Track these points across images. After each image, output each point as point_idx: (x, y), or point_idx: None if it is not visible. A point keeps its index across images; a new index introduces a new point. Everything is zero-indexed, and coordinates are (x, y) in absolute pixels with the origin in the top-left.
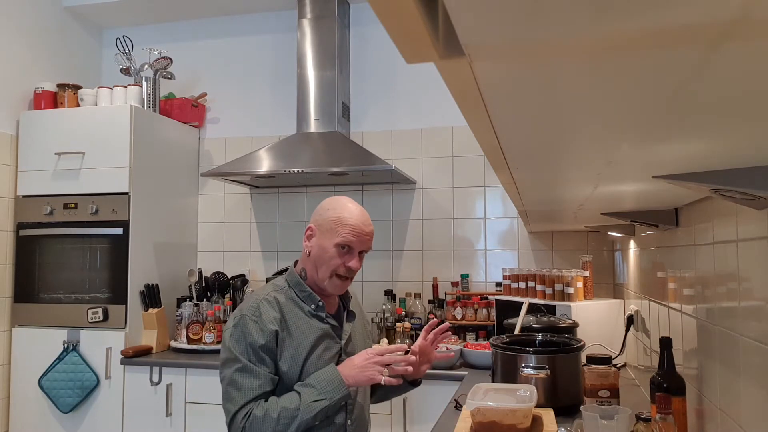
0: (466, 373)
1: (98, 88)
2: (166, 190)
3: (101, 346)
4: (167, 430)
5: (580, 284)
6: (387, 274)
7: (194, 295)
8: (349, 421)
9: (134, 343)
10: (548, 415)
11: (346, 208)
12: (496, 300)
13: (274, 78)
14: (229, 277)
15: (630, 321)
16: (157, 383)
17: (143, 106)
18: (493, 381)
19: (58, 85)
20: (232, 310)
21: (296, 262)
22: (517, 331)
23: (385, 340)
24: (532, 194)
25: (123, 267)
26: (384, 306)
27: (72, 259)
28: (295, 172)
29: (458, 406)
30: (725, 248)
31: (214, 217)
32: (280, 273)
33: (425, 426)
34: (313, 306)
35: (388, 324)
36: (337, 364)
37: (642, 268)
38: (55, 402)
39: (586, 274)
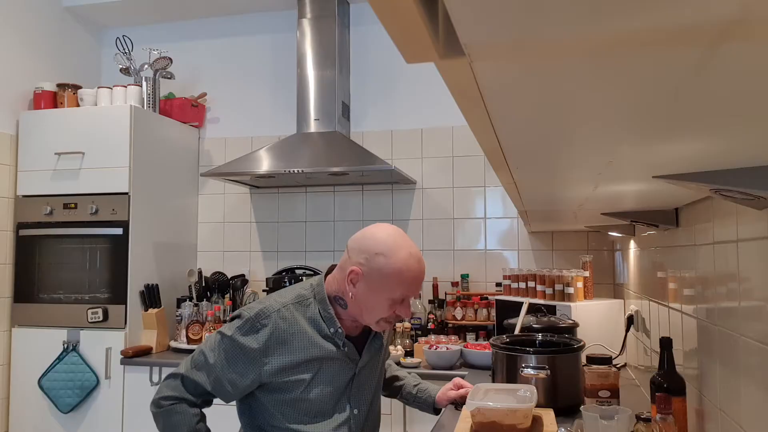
0: (466, 373)
1: (98, 88)
2: (166, 190)
3: (101, 346)
4: None
5: (580, 284)
6: None
7: (194, 295)
8: (356, 410)
9: (134, 343)
10: (548, 415)
11: (402, 260)
12: (496, 300)
13: (274, 78)
14: (229, 277)
15: (630, 321)
16: (157, 383)
17: (143, 106)
18: (493, 381)
19: (58, 85)
20: (232, 310)
21: (330, 270)
22: (517, 331)
23: None
24: (532, 194)
25: (123, 267)
26: None
27: (72, 259)
28: (295, 172)
29: (458, 406)
30: (725, 248)
31: (214, 217)
32: (279, 273)
33: (425, 426)
34: (332, 330)
35: None
36: (348, 390)
37: (642, 268)
38: (55, 402)
39: (586, 274)
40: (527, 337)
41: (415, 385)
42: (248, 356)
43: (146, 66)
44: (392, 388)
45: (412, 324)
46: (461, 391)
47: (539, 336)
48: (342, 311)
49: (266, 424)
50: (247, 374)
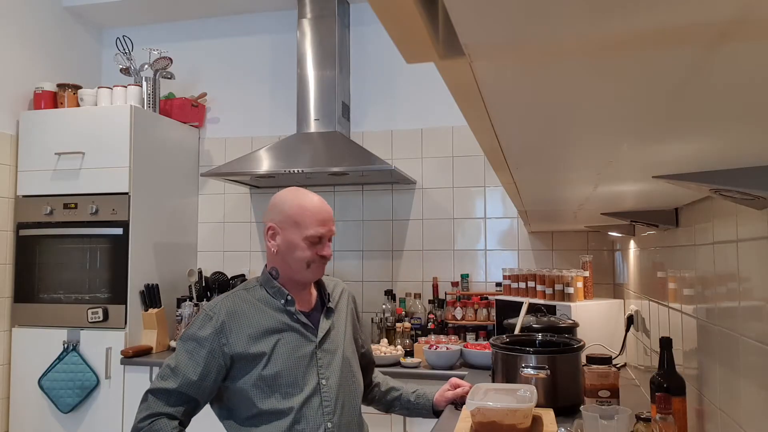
0: (466, 373)
1: (98, 88)
2: (166, 190)
3: (101, 346)
4: None
5: (580, 284)
6: (387, 274)
7: (194, 295)
8: (324, 380)
9: (134, 343)
10: (548, 415)
11: (303, 200)
12: (496, 300)
13: (274, 78)
14: (229, 277)
15: (630, 321)
16: None
17: (143, 106)
18: (493, 381)
19: (58, 85)
20: None
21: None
22: (517, 331)
23: (385, 340)
24: (532, 194)
25: (123, 267)
26: (384, 306)
27: (72, 259)
28: (295, 172)
29: (458, 406)
30: (725, 248)
31: (214, 217)
32: None
33: (425, 426)
34: (282, 301)
35: (388, 324)
36: (313, 361)
37: (642, 268)
38: (55, 402)
39: (586, 274)
40: (527, 337)
41: (413, 392)
42: (208, 343)
43: (146, 66)
44: (390, 399)
45: (412, 324)
46: (458, 390)
47: (539, 336)
48: (283, 281)
49: (241, 419)
50: (213, 361)
